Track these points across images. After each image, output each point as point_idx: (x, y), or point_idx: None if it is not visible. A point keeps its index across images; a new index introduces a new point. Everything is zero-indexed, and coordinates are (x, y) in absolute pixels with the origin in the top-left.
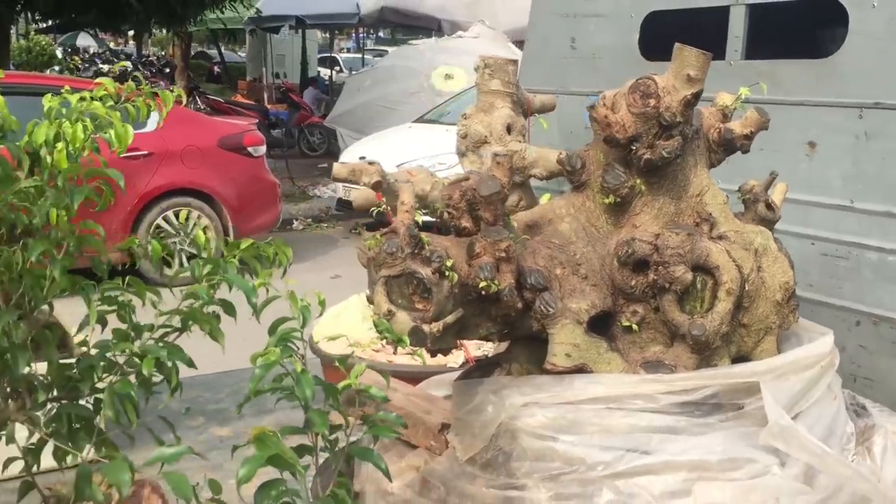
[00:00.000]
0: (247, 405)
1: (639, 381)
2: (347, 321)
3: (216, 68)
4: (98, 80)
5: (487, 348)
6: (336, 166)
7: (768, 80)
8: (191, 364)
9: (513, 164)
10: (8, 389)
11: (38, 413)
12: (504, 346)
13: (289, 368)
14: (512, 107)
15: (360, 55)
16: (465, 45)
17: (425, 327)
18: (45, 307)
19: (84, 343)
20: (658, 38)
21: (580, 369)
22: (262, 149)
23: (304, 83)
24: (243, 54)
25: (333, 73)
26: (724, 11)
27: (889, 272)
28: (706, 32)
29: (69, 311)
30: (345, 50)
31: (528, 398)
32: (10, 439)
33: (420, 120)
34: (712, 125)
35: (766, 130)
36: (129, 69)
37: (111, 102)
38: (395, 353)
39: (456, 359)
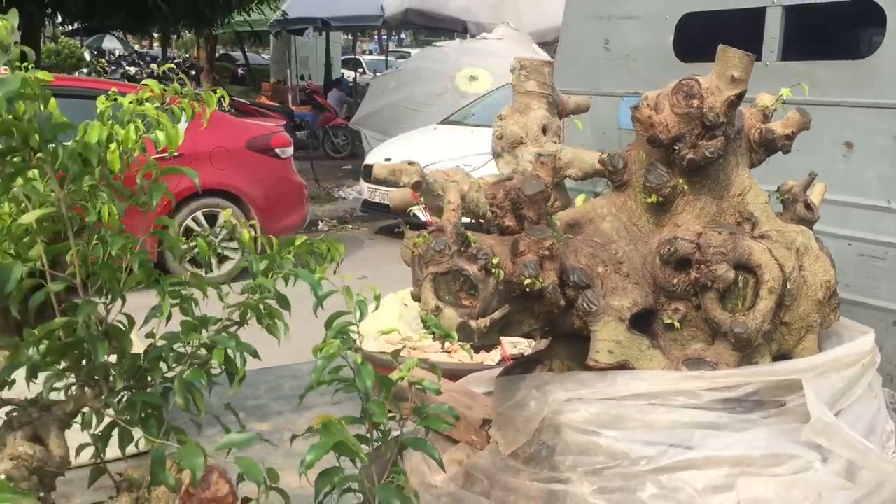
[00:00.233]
0: (285, 401)
1: (681, 377)
2: (383, 320)
3: (240, 70)
4: (144, 82)
5: (523, 346)
6: (377, 166)
7: (805, 81)
8: (256, 355)
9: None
10: (85, 378)
11: (114, 400)
12: (545, 343)
13: (349, 361)
14: (547, 108)
15: (382, 57)
16: (489, 47)
17: (472, 323)
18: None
19: (151, 335)
20: (692, 39)
21: (622, 366)
22: (290, 150)
23: (327, 85)
24: (267, 56)
25: (357, 74)
26: (759, 13)
27: None
28: (740, 34)
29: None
30: (367, 52)
31: (571, 394)
32: (88, 425)
33: (445, 121)
34: (753, 125)
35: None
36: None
37: (157, 104)
38: (442, 347)
39: (492, 357)
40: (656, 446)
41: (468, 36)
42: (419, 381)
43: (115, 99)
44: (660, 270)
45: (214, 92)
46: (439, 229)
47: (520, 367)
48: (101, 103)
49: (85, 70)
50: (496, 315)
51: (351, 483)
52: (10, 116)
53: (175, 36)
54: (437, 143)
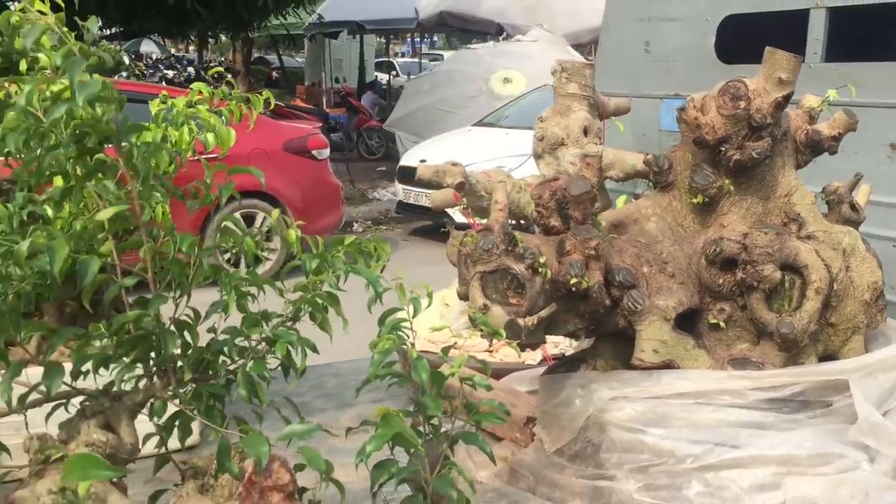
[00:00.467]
0: (327, 399)
1: (727, 377)
2: (424, 319)
3: (274, 73)
4: (193, 85)
5: (564, 346)
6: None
7: (848, 83)
8: (315, 349)
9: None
10: (154, 369)
11: (182, 391)
12: (588, 342)
13: (399, 357)
14: (588, 110)
15: (415, 59)
16: (523, 49)
17: (520, 321)
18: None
19: (213, 329)
20: (732, 41)
21: (667, 365)
22: (326, 152)
23: (361, 88)
24: (301, 59)
25: (390, 77)
26: (802, 15)
27: None
28: (780, 35)
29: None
30: (399, 55)
31: (616, 392)
32: (160, 414)
33: (479, 123)
34: (799, 127)
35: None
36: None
37: (206, 106)
38: (490, 345)
39: (534, 356)
40: (702, 445)
41: (501, 38)
42: (470, 377)
43: (168, 101)
44: (705, 270)
45: (261, 94)
46: (487, 229)
47: (564, 366)
48: (154, 106)
49: (124, 74)
50: (543, 313)
51: (407, 474)
52: (92, 118)
53: (212, 40)
54: (472, 145)
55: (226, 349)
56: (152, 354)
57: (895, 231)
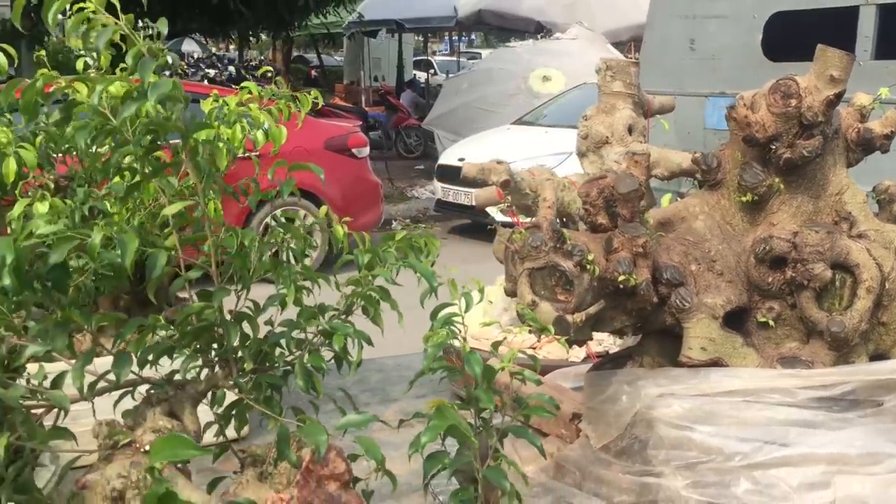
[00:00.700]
0: (371, 394)
1: (776, 375)
2: (469, 316)
3: (313, 72)
4: (243, 84)
5: (608, 344)
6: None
7: None
8: (370, 342)
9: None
10: (216, 359)
11: (243, 381)
12: (633, 339)
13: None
14: (633, 108)
15: (453, 58)
16: (563, 47)
17: (568, 317)
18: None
19: (270, 322)
20: (778, 39)
21: (715, 363)
22: (366, 150)
23: (400, 86)
24: (339, 58)
25: (429, 75)
26: (852, 12)
27: None
28: (827, 33)
29: None
30: (437, 53)
31: (664, 389)
32: (221, 403)
33: (518, 122)
34: (851, 125)
35: None
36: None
37: (256, 105)
38: (538, 341)
39: (577, 353)
40: (750, 443)
41: (540, 36)
42: (520, 371)
43: (220, 100)
44: (754, 269)
45: (308, 94)
46: (535, 226)
47: (609, 363)
48: (206, 105)
49: (167, 73)
50: (591, 310)
51: (459, 465)
52: (163, 117)
53: (253, 39)
54: (511, 143)
55: (283, 341)
56: (214, 345)
57: None
